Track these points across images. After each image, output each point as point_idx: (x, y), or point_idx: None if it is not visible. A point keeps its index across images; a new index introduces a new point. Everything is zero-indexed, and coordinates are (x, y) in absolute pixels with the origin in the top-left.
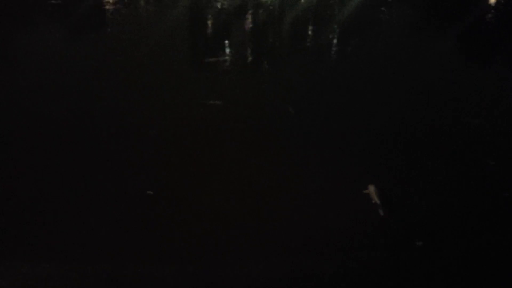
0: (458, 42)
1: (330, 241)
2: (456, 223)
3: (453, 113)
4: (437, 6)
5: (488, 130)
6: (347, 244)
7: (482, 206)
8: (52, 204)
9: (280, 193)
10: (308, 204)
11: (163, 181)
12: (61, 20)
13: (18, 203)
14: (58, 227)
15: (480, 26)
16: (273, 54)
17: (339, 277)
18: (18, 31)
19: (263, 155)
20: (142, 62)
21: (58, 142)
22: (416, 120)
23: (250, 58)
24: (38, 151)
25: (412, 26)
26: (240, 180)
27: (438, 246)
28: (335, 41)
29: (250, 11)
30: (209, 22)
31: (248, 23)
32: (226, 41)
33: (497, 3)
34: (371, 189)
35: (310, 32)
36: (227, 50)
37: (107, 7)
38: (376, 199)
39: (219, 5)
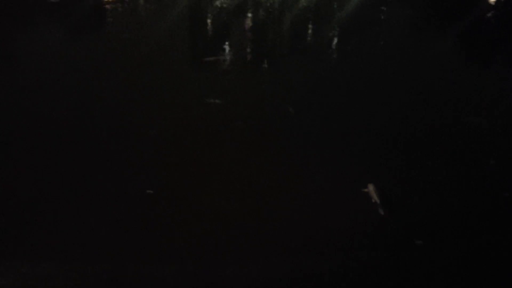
0: (458, 41)
1: (329, 240)
2: (456, 222)
3: (453, 113)
4: (437, 5)
5: (488, 129)
6: (346, 244)
7: (482, 205)
8: (51, 203)
9: (280, 193)
10: (307, 203)
11: (163, 180)
12: (60, 20)
13: (18, 203)
14: (58, 227)
15: (479, 25)
16: (272, 53)
17: (339, 276)
18: (16, 30)
19: (263, 154)
20: (140, 61)
21: (57, 141)
22: (416, 120)
23: (249, 58)
24: (38, 151)
25: (412, 25)
26: (239, 180)
27: (438, 245)
28: (334, 40)
29: (249, 11)
30: (208, 21)
31: (247, 22)
32: (225, 40)
33: (496, 2)
34: (371, 188)
35: (309, 32)
36: (226, 49)
37: (106, 6)
38: (376, 198)
39: (218, 4)
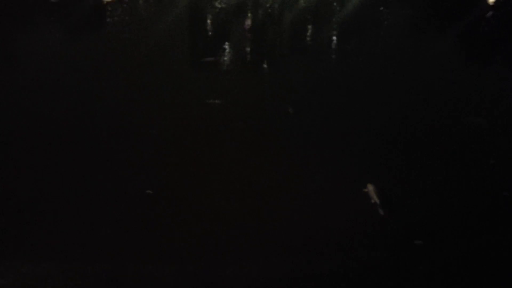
0: (457, 41)
1: (329, 240)
2: (455, 222)
3: (453, 113)
4: (436, 6)
5: (488, 129)
6: (346, 244)
7: (482, 205)
8: (51, 204)
9: (280, 193)
10: (307, 203)
11: (163, 180)
12: (60, 19)
13: (18, 203)
14: (57, 227)
15: (479, 26)
16: (271, 54)
17: (339, 276)
18: (16, 29)
19: (263, 155)
20: (139, 62)
21: (57, 141)
22: (416, 120)
23: (248, 58)
24: (38, 151)
25: (411, 25)
26: (240, 180)
27: (437, 245)
28: (334, 41)
29: (248, 11)
30: (207, 22)
31: (247, 22)
32: (224, 41)
33: (496, 2)
34: (371, 188)
35: (308, 32)
36: (224, 50)
37: (106, 7)
38: (375, 198)
39: (217, 5)
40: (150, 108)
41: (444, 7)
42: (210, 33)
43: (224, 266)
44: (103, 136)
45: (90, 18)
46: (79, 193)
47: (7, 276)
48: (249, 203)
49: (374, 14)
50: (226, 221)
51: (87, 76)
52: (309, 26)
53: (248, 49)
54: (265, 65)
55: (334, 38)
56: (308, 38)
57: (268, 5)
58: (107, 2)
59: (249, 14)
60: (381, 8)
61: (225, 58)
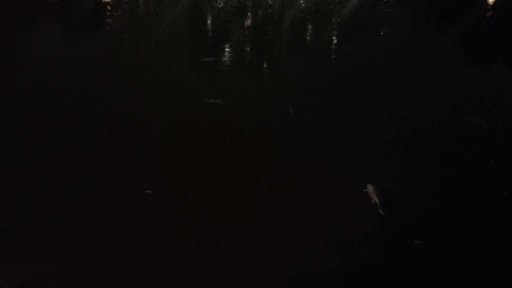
0: (456, 41)
1: (329, 240)
2: (455, 222)
3: (452, 112)
4: (436, 5)
5: (488, 129)
6: (346, 243)
7: (482, 205)
8: (51, 204)
9: (280, 193)
10: (307, 203)
11: (162, 180)
12: (59, 19)
13: (17, 203)
14: (57, 227)
15: (479, 26)
16: (270, 54)
17: (339, 276)
18: (15, 29)
19: (262, 154)
20: (138, 61)
21: (56, 141)
22: (415, 120)
23: (247, 58)
24: (37, 151)
25: (411, 25)
26: (239, 180)
27: (437, 245)
28: (333, 41)
29: (248, 11)
30: (207, 22)
31: (246, 23)
32: (224, 41)
33: (495, 2)
34: (370, 188)
35: (308, 32)
36: (224, 50)
37: (105, 7)
38: (375, 199)
39: (216, 5)
40: (149, 107)
41: (444, 7)
42: (210, 33)
43: (224, 266)
44: (103, 136)
45: (89, 18)
46: (79, 193)
47: (7, 275)
48: (249, 203)
49: (374, 14)
50: (226, 221)
51: (85, 75)
52: (309, 26)
53: (248, 49)
54: (265, 65)
55: (334, 37)
56: (308, 38)
57: (268, 5)
58: (107, 2)
59: (249, 14)
60: (381, 8)
61: (225, 58)
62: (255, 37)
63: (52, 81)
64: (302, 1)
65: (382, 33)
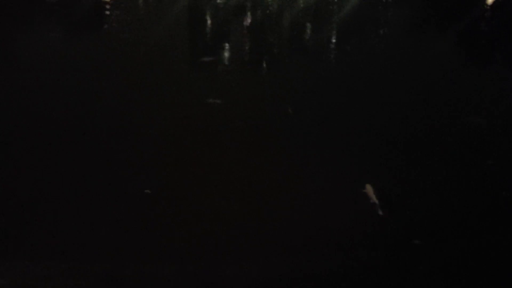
0: (455, 41)
1: (328, 240)
2: (455, 222)
3: (452, 112)
4: (436, 5)
5: (487, 129)
6: (346, 243)
7: (482, 205)
8: (51, 203)
9: (280, 193)
10: (307, 203)
11: (162, 180)
12: (58, 18)
13: (17, 202)
14: (57, 227)
15: (478, 25)
16: (270, 54)
17: (339, 276)
18: (13, 28)
19: (261, 154)
20: (137, 61)
21: (56, 141)
22: (414, 120)
23: (246, 58)
24: (36, 150)
25: (410, 25)
26: (238, 179)
27: (437, 245)
28: (333, 40)
29: (247, 11)
30: (206, 21)
31: (245, 22)
32: (222, 40)
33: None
34: (369, 188)
35: (307, 32)
36: (223, 49)
37: (104, 6)
38: (374, 199)
39: (216, 5)
40: (148, 107)
41: (443, 6)
42: (208, 32)
43: (224, 266)
44: (101, 135)
45: (88, 17)
46: (79, 193)
47: (7, 275)
48: (249, 203)
49: (373, 14)
50: (225, 221)
51: (83, 75)
52: (309, 25)
53: (247, 48)
54: (265, 65)
55: (334, 37)
56: (308, 38)
57: (267, 4)
58: (106, 2)
59: (248, 13)
60: (380, 8)
61: (224, 57)
62: (255, 36)
63: (48, 77)
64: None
65: (380, 33)
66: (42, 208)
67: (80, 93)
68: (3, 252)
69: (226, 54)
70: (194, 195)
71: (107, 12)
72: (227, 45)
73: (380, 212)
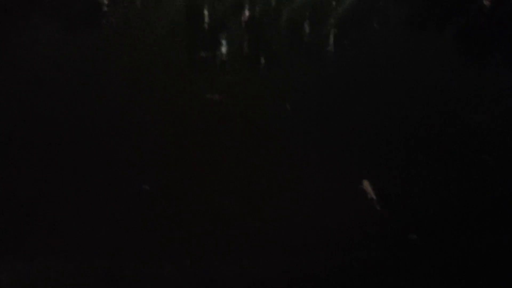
0: (453, 38)
1: (326, 237)
2: (456, 219)
3: (452, 109)
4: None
5: (486, 126)
6: (345, 241)
7: (482, 202)
8: (48, 200)
9: (279, 191)
10: (307, 201)
11: (161, 177)
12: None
13: (14, 199)
14: (55, 224)
15: (475, 23)
16: (269, 49)
17: (339, 275)
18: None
19: (259, 152)
20: (134, 57)
21: (51, 137)
22: (413, 115)
23: (245, 54)
24: (32, 147)
25: (411, 22)
26: (237, 178)
27: (439, 242)
28: (333, 36)
29: (246, 6)
30: (204, 16)
31: (244, 17)
32: (220, 36)
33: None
34: (366, 184)
35: (308, 28)
36: (221, 45)
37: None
38: (372, 195)
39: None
40: (146, 103)
41: (441, 4)
42: (205, 28)
43: (224, 265)
44: (100, 132)
45: (83, 13)
46: (77, 189)
47: (3, 273)
48: (247, 201)
49: (373, 11)
50: (225, 220)
51: (80, 71)
52: (310, 22)
53: (245, 43)
54: (264, 61)
55: (334, 33)
56: (308, 34)
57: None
58: None
59: (247, 7)
60: (379, 4)
61: (221, 53)
62: (254, 31)
63: (45, 72)
64: None
65: (379, 30)
66: (39, 205)
67: (75, 88)
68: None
69: (225, 49)
70: (193, 192)
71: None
72: (226, 40)
73: (378, 208)
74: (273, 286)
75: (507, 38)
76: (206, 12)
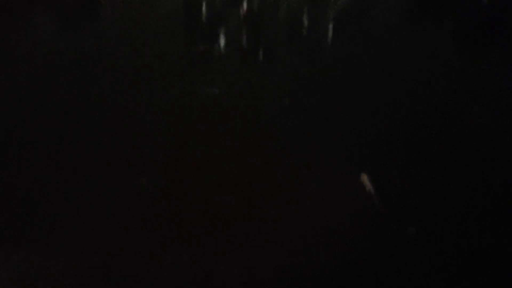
0: (451, 35)
1: (324, 233)
2: (457, 215)
3: (451, 106)
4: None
5: (484, 122)
6: (342, 236)
7: (480, 197)
8: (44, 192)
9: (278, 189)
10: (306, 200)
11: (158, 170)
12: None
13: (9, 191)
14: (51, 216)
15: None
16: (266, 43)
17: (339, 273)
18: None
19: (257, 147)
20: (132, 51)
21: (48, 128)
22: (412, 110)
23: (242, 47)
24: (30, 144)
25: (411, 15)
26: (233, 172)
27: (436, 237)
28: (332, 30)
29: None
30: (202, 10)
31: (242, 10)
32: (218, 30)
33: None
34: (364, 178)
35: (306, 21)
36: (219, 39)
37: None
38: (370, 188)
39: None
40: (144, 97)
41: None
42: (204, 21)
43: (221, 260)
44: (97, 126)
45: (81, 5)
46: (73, 182)
47: (2, 267)
48: (245, 196)
49: (372, 5)
50: (222, 214)
51: (76, 65)
52: (308, 14)
53: (244, 37)
54: (261, 55)
55: (334, 27)
56: (307, 28)
57: None
58: None
59: (246, 0)
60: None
61: (220, 46)
62: (253, 25)
63: (41, 64)
64: None
65: (381, 23)
66: (35, 197)
67: (71, 82)
68: None
69: (223, 43)
70: (190, 188)
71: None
72: (223, 33)
73: (377, 202)
74: (271, 282)
75: (506, 34)
76: (204, 6)
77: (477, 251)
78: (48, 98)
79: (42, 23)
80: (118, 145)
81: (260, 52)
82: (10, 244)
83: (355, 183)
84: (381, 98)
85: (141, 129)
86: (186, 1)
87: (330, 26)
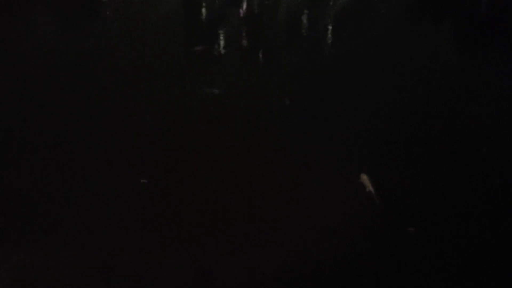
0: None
1: (324, 230)
2: (456, 212)
3: (450, 102)
4: None
5: (483, 120)
6: (346, 237)
7: (476, 194)
8: (45, 191)
9: (278, 187)
10: (306, 198)
11: (159, 169)
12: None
13: (10, 190)
14: (52, 214)
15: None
16: (266, 43)
17: (339, 272)
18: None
19: (258, 145)
20: (133, 50)
21: (48, 128)
22: (412, 109)
23: (242, 47)
24: (31, 142)
25: (410, 15)
26: (233, 170)
27: (439, 237)
28: (331, 30)
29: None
30: (202, 9)
31: (242, 10)
32: (218, 29)
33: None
34: (365, 177)
35: (306, 21)
36: (219, 39)
37: None
38: (370, 188)
39: None
40: (144, 96)
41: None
42: (204, 21)
43: (220, 255)
44: (97, 124)
45: (81, 3)
46: (74, 180)
47: (3, 264)
48: (245, 192)
49: (372, 5)
50: (222, 211)
51: (77, 64)
52: (308, 14)
53: (244, 37)
54: (261, 55)
55: (333, 26)
56: (306, 27)
57: None
58: None
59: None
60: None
61: (220, 46)
62: (252, 25)
63: (42, 65)
64: None
65: (380, 22)
66: (35, 196)
67: (71, 82)
68: None
69: (222, 42)
70: (191, 185)
71: None
72: (222, 33)
73: (377, 201)
74: (271, 281)
75: (506, 34)
76: (204, 5)
77: (476, 251)
78: (48, 98)
79: (42, 23)
80: (118, 145)
81: (260, 52)
82: (10, 244)
83: (355, 183)
84: (381, 98)
85: (141, 129)
86: (186, 1)
87: (330, 26)
